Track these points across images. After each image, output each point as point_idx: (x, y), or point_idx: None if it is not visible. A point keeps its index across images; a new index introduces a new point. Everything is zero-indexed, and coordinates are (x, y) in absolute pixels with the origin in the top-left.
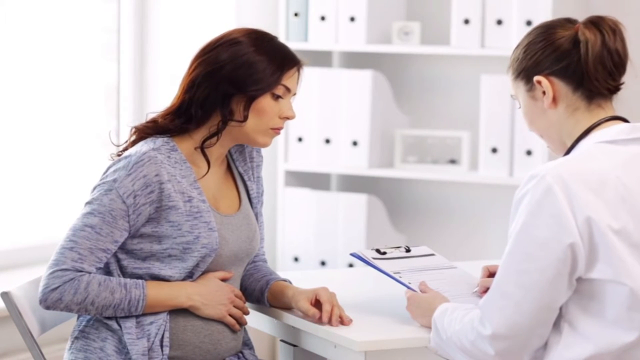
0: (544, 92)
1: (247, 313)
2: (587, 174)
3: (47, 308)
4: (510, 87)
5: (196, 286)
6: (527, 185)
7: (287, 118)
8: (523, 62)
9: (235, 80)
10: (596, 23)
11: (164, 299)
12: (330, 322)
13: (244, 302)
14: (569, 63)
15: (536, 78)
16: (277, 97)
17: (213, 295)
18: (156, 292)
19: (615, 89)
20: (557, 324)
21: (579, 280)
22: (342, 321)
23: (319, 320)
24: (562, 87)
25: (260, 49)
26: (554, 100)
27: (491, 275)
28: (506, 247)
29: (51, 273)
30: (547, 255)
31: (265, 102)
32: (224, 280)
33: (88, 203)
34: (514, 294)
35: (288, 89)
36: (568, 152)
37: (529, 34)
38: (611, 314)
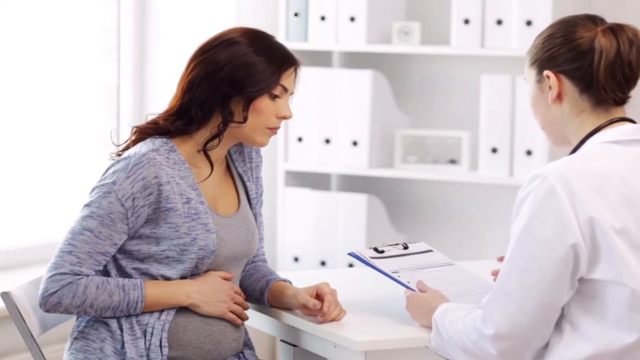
0: (550, 87)
1: (246, 308)
2: (590, 174)
3: (47, 311)
4: (525, 71)
5: (195, 284)
6: (529, 185)
7: (284, 118)
8: (539, 52)
9: (234, 82)
10: (615, 31)
11: (162, 297)
12: (325, 317)
13: (244, 298)
14: (580, 65)
15: (545, 72)
16: (274, 97)
17: (212, 292)
18: (154, 291)
19: (622, 100)
20: (558, 324)
21: (581, 280)
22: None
23: (320, 311)
24: (569, 87)
25: (258, 49)
26: (559, 97)
27: None
28: (508, 247)
29: (50, 277)
30: (549, 255)
31: (263, 102)
32: (225, 279)
33: (87, 205)
34: (516, 293)
35: (285, 89)
36: (573, 152)
37: (552, 25)
38: (612, 315)
